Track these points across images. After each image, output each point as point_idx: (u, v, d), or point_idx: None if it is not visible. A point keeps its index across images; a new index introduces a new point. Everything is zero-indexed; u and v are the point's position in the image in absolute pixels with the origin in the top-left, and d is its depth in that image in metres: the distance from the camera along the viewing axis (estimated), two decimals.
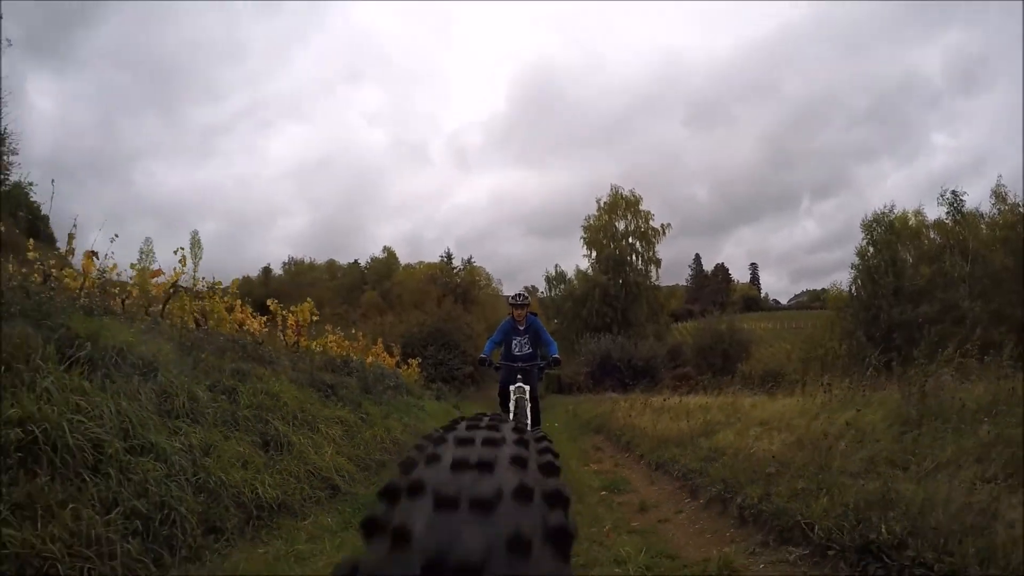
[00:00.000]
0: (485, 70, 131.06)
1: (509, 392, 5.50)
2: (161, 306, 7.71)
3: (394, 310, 40.96)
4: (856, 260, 36.46)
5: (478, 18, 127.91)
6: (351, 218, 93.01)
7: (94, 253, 6.76)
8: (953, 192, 33.70)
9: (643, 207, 41.86)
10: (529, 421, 5.19)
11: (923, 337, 26.96)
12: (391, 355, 17.16)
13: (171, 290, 7.93)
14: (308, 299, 11.59)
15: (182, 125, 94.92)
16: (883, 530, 2.83)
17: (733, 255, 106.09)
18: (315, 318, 11.67)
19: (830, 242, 75.58)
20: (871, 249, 36.37)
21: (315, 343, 11.73)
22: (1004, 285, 30.10)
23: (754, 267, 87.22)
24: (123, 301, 6.22)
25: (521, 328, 5.89)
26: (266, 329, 10.22)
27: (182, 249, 8.05)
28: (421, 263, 48.73)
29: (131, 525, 3.01)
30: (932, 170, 76.02)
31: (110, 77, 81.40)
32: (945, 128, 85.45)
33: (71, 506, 2.83)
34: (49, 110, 64.39)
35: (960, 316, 29.99)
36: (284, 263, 54.68)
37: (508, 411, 5.36)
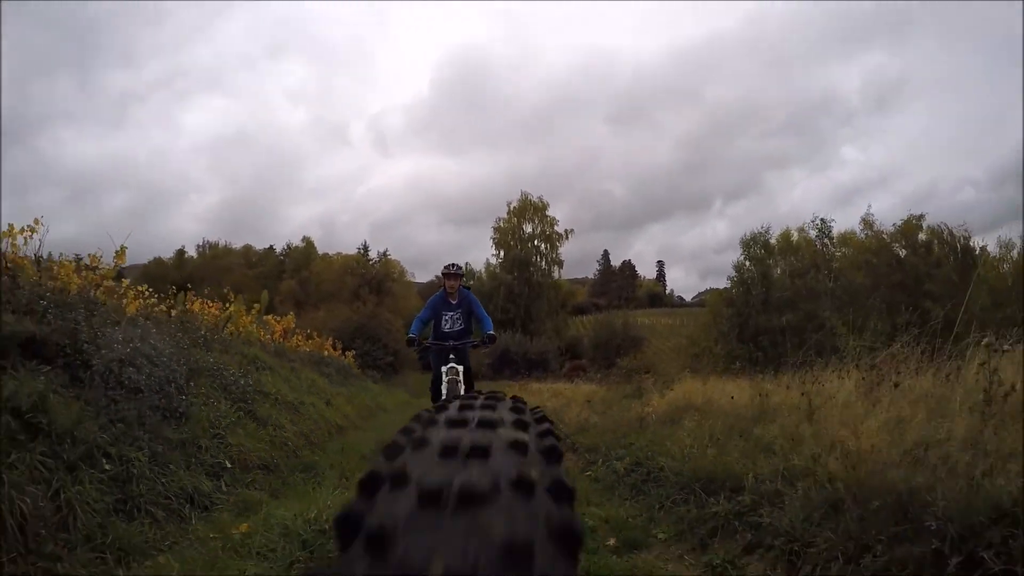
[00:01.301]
0: (413, 52, 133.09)
1: (442, 375, 5.31)
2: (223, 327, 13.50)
3: (311, 300, 45.42)
4: (733, 272, 45.25)
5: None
6: (265, 197, 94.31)
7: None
8: (822, 219, 42.92)
9: (553, 208, 49.43)
10: None
11: (786, 342, 34.78)
12: (335, 349, 22.95)
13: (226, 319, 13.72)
14: (290, 314, 17.42)
15: (95, 90, 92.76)
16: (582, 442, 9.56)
17: (644, 251, 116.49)
18: (292, 326, 17.51)
19: (738, 243, 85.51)
20: (747, 263, 45.50)
21: (288, 343, 17.55)
22: (859, 300, 39.40)
23: (661, 264, 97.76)
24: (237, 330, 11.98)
25: (453, 302, 5.76)
26: (268, 336, 15.97)
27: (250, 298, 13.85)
28: (339, 254, 53.20)
29: (318, 427, 9.22)
30: (841, 181, 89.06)
31: (21, 32, 77.73)
32: (856, 143, 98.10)
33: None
34: None
35: (820, 325, 38.94)
36: (199, 245, 56.87)
37: (440, 396, 5.06)
